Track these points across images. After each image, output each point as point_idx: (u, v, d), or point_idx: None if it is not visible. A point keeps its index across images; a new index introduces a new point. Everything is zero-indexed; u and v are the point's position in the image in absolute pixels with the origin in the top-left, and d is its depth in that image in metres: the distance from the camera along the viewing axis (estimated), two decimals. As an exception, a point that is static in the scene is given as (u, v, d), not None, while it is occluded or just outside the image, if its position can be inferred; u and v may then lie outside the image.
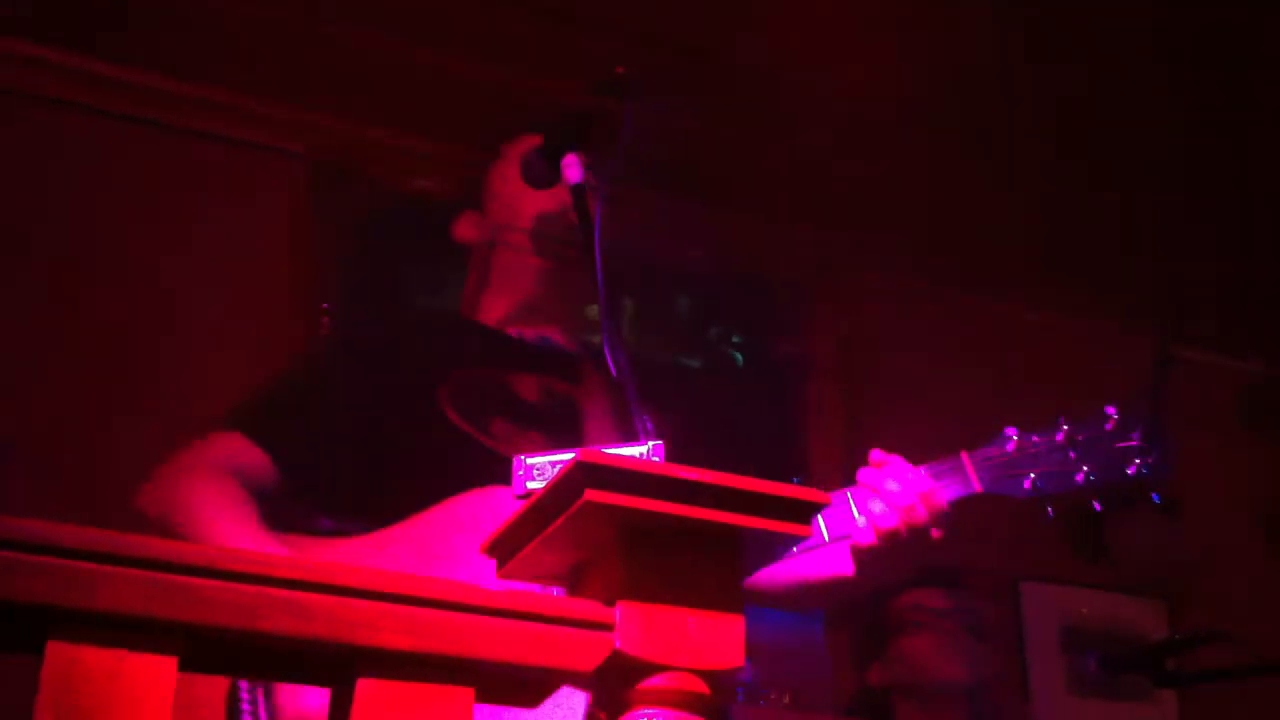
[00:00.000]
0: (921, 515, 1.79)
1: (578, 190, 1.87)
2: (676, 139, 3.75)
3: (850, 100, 4.04)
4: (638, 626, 1.04)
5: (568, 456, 1.27)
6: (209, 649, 0.97)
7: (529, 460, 1.72)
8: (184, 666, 0.94)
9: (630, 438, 2.01)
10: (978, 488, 1.85)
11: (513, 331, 2.16)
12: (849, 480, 1.86)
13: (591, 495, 1.03)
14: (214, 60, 3.55)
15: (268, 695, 1.62)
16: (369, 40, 3.68)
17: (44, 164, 3.34)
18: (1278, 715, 4.21)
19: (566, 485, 1.05)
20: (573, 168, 1.90)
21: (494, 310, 2.19)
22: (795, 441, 4.30)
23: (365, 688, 0.97)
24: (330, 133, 3.77)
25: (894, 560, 1.81)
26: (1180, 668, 2.77)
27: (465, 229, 2.29)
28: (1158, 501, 1.82)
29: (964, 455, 1.87)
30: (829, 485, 1.86)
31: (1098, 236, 4.49)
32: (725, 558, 1.09)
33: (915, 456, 1.92)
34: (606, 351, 1.70)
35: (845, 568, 1.91)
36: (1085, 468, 1.83)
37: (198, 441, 2.00)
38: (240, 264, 3.50)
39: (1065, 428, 1.87)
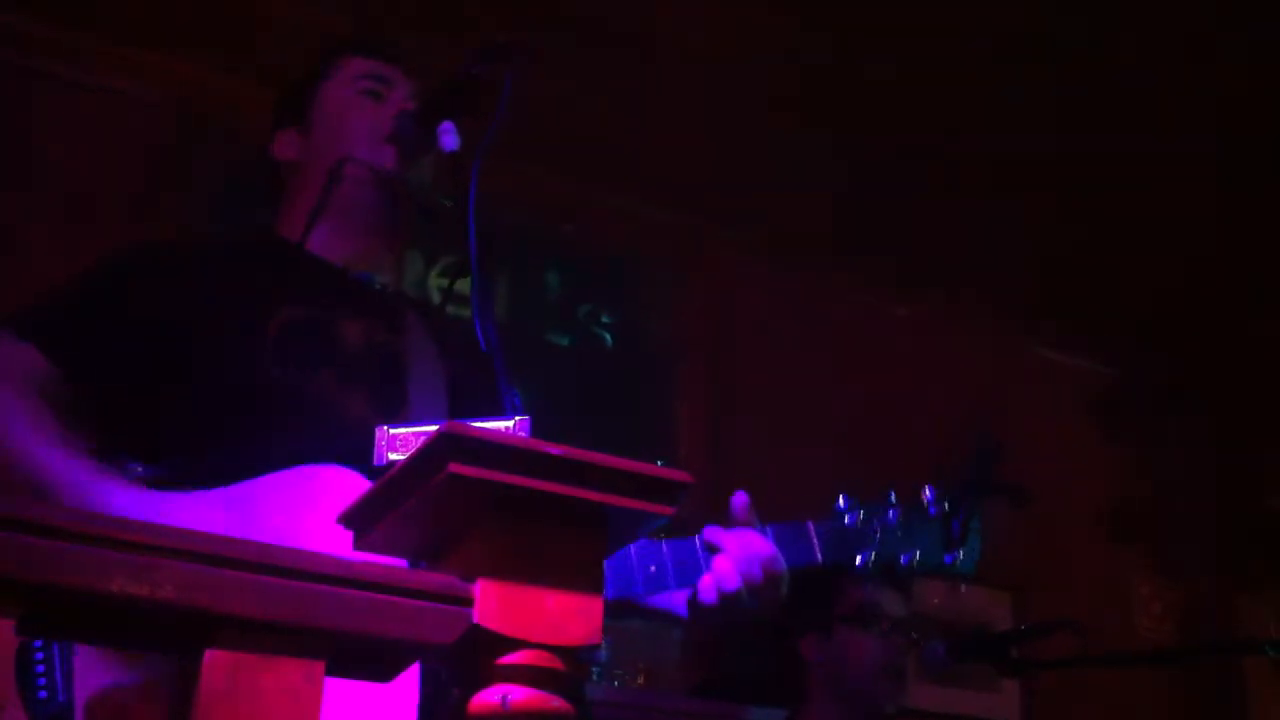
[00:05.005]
0: (762, 580, 1.86)
1: (454, 158, 1.84)
2: (551, 112, 3.73)
3: (726, 81, 4.07)
4: (497, 602, 1.03)
5: (432, 427, 1.25)
6: (49, 611, 0.93)
7: (392, 430, 1.70)
8: (22, 629, 0.91)
9: (456, 400, 1.98)
10: (819, 558, 1.97)
11: (340, 266, 2.05)
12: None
13: (455, 468, 1.01)
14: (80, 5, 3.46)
15: (66, 676, 1.53)
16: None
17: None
18: (1115, 703, 4.36)
19: (430, 457, 1.03)
20: (448, 134, 1.87)
21: (327, 241, 2.05)
22: (662, 422, 4.32)
23: (213, 658, 0.95)
24: (201, 84, 3.69)
25: (731, 614, 1.87)
26: (1024, 657, 2.86)
27: (291, 149, 2.13)
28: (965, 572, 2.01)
29: (810, 525, 1.99)
30: (695, 466, 1.88)
31: (965, 236, 4.58)
32: (588, 535, 1.08)
33: (782, 444, 1.96)
34: (477, 323, 1.68)
35: (679, 607, 1.96)
36: (912, 551, 2.01)
37: None
38: (104, 211, 3.41)
39: (897, 508, 2.03)
